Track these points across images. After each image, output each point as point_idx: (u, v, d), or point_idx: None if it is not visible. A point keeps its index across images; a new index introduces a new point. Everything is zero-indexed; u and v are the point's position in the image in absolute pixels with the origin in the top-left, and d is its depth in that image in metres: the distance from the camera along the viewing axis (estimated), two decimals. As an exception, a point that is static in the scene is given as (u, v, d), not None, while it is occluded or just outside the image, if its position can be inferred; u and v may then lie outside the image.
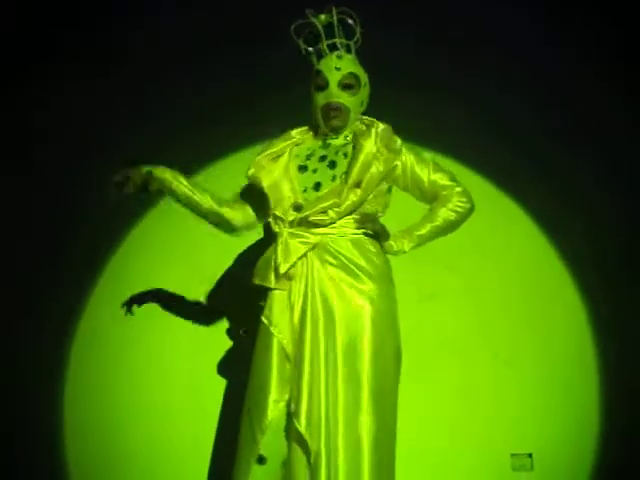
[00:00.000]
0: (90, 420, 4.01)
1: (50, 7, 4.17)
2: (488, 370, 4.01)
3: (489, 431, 3.96)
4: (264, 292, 3.07)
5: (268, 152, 3.17)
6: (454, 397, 3.97)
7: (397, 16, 4.04)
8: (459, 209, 3.16)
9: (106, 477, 3.99)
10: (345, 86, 3.13)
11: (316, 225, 3.02)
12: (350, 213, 3.04)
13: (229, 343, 3.97)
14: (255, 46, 4.06)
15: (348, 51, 3.17)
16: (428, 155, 3.21)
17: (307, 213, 3.02)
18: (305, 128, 3.24)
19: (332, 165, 3.09)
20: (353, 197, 3.01)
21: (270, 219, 3.10)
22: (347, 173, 3.03)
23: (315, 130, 3.21)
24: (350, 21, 3.14)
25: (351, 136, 3.16)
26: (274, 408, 2.94)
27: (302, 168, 3.12)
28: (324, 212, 3.01)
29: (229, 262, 4.02)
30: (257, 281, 3.08)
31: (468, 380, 3.98)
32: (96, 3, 4.20)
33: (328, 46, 3.15)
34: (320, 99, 3.14)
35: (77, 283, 4.10)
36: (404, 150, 3.14)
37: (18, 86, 4.13)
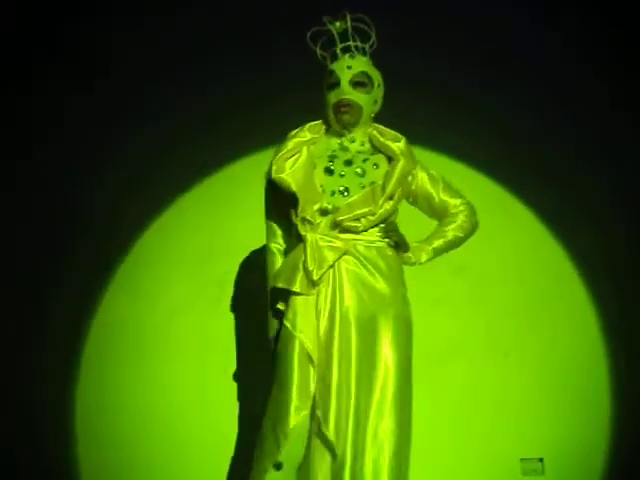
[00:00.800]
0: (101, 424, 3.99)
1: (50, 7, 4.13)
2: (497, 374, 3.99)
3: (498, 435, 3.94)
4: (284, 296, 3.03)
5: (285, 151, 3.13)
6: (462, 401, 3.95)
7: (397, 18, 3.99)
8: (466, 227, 3.26)
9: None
10: (356, 84, 3.15)
11: (347, 231, 3.03)
12: (380, 223, 3.08)
13: (239, 348, 3.94)
14: (256, 48, 4.05)
15: (363, 54, 3.20)
16: (436, 172, 3.25)
17: (342, 218, 3.01)
18: (318, 123, 3.21)
19: (362, 173, 3.10)
20: (387, 207, 3.06)
21: (297, 222, 3.06)
22: (384, 185, 3.07)
23: (328, 130, 3.21)
24: (364, 26, 3.17)
25: (368, 143, 3.19)
26: (297, 415, 2.91)
27: (329, 171, 3.10)
28: (357, 219, 3.03)
29: (238, 268, 4.00)
30: (281, 284, 3.04)
31: (477, 383, 3.97)
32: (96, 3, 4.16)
33: (342, 49, 3.19)
34: (332, 97, 3.16)
35: (87, 288, 4.08)
36: (419, 165, 3.22)
37: (17, 86, 4.09)
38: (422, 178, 3.21)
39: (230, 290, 4.03)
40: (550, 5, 4.13)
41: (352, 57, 3.17)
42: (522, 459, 3.94)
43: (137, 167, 4.12)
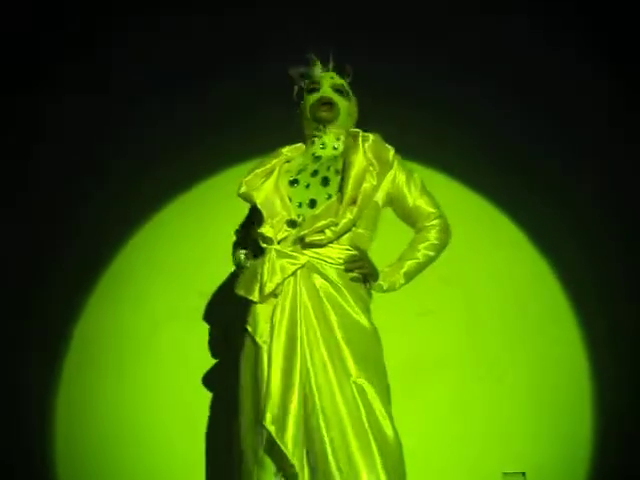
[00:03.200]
0: (83, 433, 3.97)
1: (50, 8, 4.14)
2: (481, 387, 3.98)
3: (481, 449, 3.92)
4: (247, 302, 3.05)
5: (259, 170, 3.15)
6: (447, 413, 3.95)
7: (395, 27, 4.02)
8: (438, 245, 3.17)
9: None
10: (337, 89, 3.20)
11: (311, 245, 3.00)
12: (347, 231, 3.02)
13: (221, 355, 3.94)
14: (254, 60, 4.05)
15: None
16: (418, 175, 3.19)
17: (303, 233, 2.99)
18: (297, 145, 3.24)
19: (325, 182, 3.07)
20: (349, 215, 3.00)
21: (258, 237, 3.06)
22: (341, 191, 3.00)
23: (305, 142, 3.22)
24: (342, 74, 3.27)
25: (341, 147, 3.16)
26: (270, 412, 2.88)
27: (294, 182, 3.10)
28: (321, 231, 2.99)
29: (223, 276, 3.96)
30: (241, 293, 3.06)
31: (461, 396, 3.97)
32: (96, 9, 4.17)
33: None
34: (311, 98, 3.19)
35: (72, 295, 4.07)
36: (396, 164, 3.14)
37: (16, 87, 4.10)
38: (400, 179, 3.13)
39: (212, 300, 4.02)
40: (550, 13, 4.15)
41: (334, 72, 3.26)
42: (504, 473, 3.92)
43: (120, 179, 4.14)
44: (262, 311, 3.00)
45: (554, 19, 4.15)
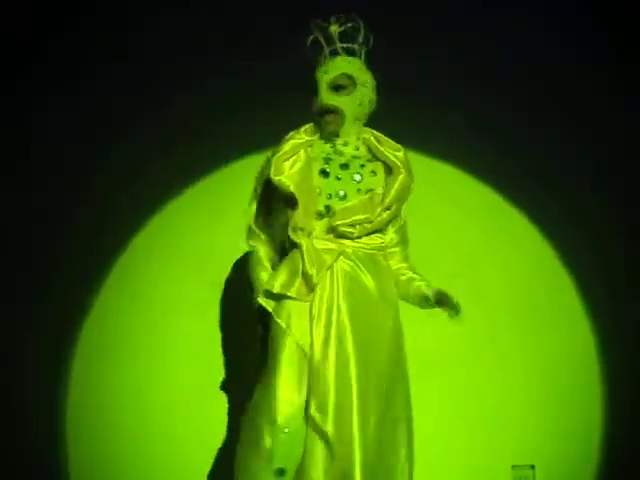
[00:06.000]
0: (93, 424, 3.96)
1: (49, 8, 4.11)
2: (492, 380, 3.98)
3: (490, 442, 3.92)
4: (275, 298, 3.03)
5: (282, 152, 3.10)
6: (458, 406, 3.95)
7: (395, 22, 3.99)
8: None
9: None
10: (335, 87, 3.10)
11: (342, 236, 3.02)
12: (374, 232, 3.07)
13: (231, 349, 3.94)
14: (255, 56, 4.02)
15: (351, 54, 3.14)
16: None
17: (338, 223, 3.00)
18: (312, 125, 3.17)
19: (360, 179, 3.07)
20: (384, 216, 3.06)
21: (290, 230, 3.05)
22: (383, 195, 3.05)
23: (321, 133, 3.17)
24: (354, 24, 3.13)
25: (363, 147, 3.14)
26: (284, 410, 2.90)
27: (324, 173, 3.08)
28: (353, 225, 3.01)
29: (231, 269, 3.97)
30: (278, 290, 3.02)
31: (472, 390, 3.96)
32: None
33: (330, 52, 3.15)
34: (315, 104, 3.14)
35: (78, 290, 4.04)
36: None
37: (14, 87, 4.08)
38: None
39: (223, 291, 4.01)
40: (549, 10, 4.12)
41: (332, 60, 3.13)
42: (513, 466, 3.92)
43: (129, 169, 4.09)
44: (297, 308, 2.99)
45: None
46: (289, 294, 2.99)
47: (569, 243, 4.10)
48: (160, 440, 3.93)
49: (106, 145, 4.09)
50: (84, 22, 4.12)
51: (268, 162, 3.13)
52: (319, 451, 2.89)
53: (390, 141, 3.15)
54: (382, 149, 3.12)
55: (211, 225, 4.04)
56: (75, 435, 3.97)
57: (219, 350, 3.96)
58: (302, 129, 3.16)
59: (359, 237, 3.03)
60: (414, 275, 3.19)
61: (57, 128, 4.08)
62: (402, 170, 3.08)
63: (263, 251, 3.17)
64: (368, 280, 3.03)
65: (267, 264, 3.15)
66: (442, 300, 3.12)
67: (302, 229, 3.02)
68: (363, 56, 3.16)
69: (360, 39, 3.14)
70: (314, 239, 3.01)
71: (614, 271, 4.05)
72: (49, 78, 4.11)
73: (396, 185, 3.07)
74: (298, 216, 3.03)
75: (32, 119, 4.10)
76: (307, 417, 2.91)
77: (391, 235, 3.16)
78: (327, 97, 3.09)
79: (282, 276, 3.04)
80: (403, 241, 3.21)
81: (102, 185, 4.07)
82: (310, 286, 2.98)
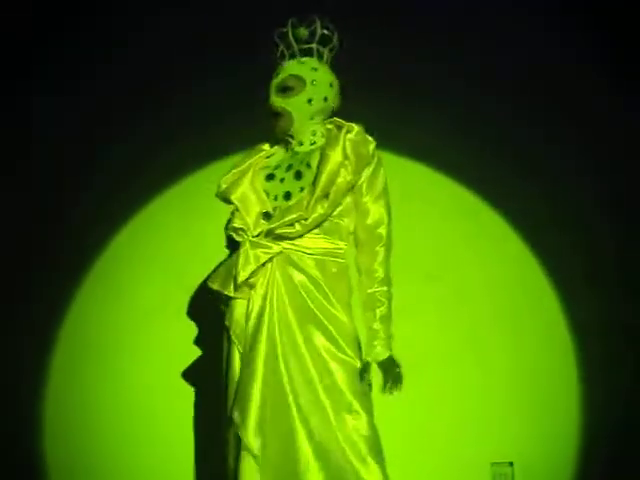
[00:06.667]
0: (72, 425, 4.00)
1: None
2: (470, 379, 3.99)
3: (468, 439, 3.94)
4: (225, 298, 3.06)
5: (235, 170, 3.16)
6: (436, 405, 3.97)
7: (388, 23, 4.03)
8: (385, 301, 3.07)
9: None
10: (282, 89, 3.11)
11: (282, 238, 3.00)
12: (318, 226, 3.00)
13: (214, 349, 3.85)
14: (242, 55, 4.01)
15: (308, 55, 3.15)
16: (384, 186, 3.08)
17: (273, 225, 3.00)
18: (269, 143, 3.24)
19: (298, 175, 3.05)
20: (320, 210, 2.96)
21: (230, 231, 3.08)
22: (314, 184, 2.98)
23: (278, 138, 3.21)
24: (325, 31, 3.14)
25: (320, 141, 3.11)
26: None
27: (270, 177, 3.11)
28: (291, 225, 2.98)
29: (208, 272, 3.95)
30: (216, 287, 3.07)
31: (450, 388, 3.98)
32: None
33: (290, 56, 3.16)
34: (265, 108, 3.17)
35: (60, 289, 4.08)
36: (376, 159, 3.07)
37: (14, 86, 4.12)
38: (366, 174, 3.04)
39: (199, 294, 4.00)
40: (549, 9, 4.12)
41: (283, 63, 3.15)
42: (493, 463, 3.95)
43: (111, 173, 4.14)
44: (238, 307, 3.02)
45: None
46: (226, 293, 3.03)
47: (548, 243, 4.10)
48: (142, 440, 3.96)
49: (106, 145, 4.12)
50: (84, 22, 4.16)
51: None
52: (246, 457, 2.89)
53: (348, 123, 3.06)
54: (337, 133, 3.05)
55: (187, 228, 4.08)
56: (55, 435, 3.99)
57: (202, 350, 3.97)
58: (266, 145, 3.22)
59: (300, 236, 2.99)
60: (375, 325, 3.05)
61: (57, 128, 4.13)
62: (330, 156, 2.97)
63: None
64: (313, 286, 2.98)
65: None
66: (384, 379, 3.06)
67: (243, 230, 3.04)
68: (327, 55, 3.15)
69: (317, 38, 3.13)
70: (251, 240, 3.01)
71: (593, 271, 4.06)
72: (49, 78, 4.15)
73: (325, 169, 2.96)
74: (238, 218, 3.06)
75: (32, 119, 4.14)
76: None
77: (368, 206, 3.05)
78: (273, 100, 3.12)
79: (220, 275, 3.08)
80: (387, 244, 3.08)
81: (102, 185, 4.11)
82: (245, 284, 2.98)
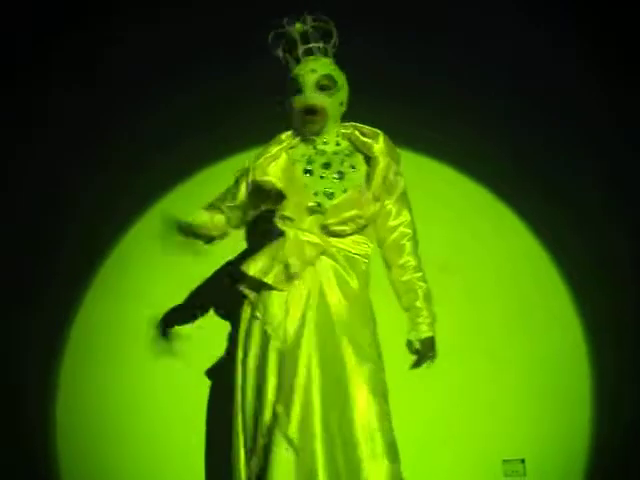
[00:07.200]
0: (82, 425, 4.00)
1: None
2: (482, 375, 3.99)
3: (480, 436, 3.94)
4: (255, 288, 3.05)
5: (267, 155, 3.14)
6: (448, 401, 3.96)
7: (391, 22, 4.03)
8: (424, 283, 3.18)
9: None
10: (321, 87, 3.12)
11: (334, 234, 3.04)
12: (366, 226, 3.08)
13: (216, 350, 3.93)
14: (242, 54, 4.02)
15: (326, 55, 3.19)
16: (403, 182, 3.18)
17: (330, 222, 3.02)
18: (290, 133, 3.21)
19: (340, 176, 3.09)
20: (373, 209, 3.06)
21: (277, 219, 3.07)
22: (368, 188, 3.04)
23: (300, 134, 3.19)
24: (324, 26, 3.17)
25: (344, 143, 3.17)
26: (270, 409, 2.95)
27: (308, 172, 3.11)
28: (344, 223, 3.02)
29: (214, 272, 3.97)
30: (252, 272, 3.04)
31: (461, 384, 3.98)
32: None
33: (305, 52, 3.17)
34: (298, 103, 3.14)
35: (68, 292, 4.07)
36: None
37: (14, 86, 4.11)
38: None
39: (207, 295, 3.99)
40: (549, 10, 4.12)
41: (315, 60, 3.15)
42: (504, 460, 3.95)
43: (120, 169, 4.13)
44: (275, 298, 3.02)
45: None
46: (265, 280, 3.01)
47: (559, 239, 4.10)
48: (150, 442, 3.96)
49: (106, 144, 4.11)
50: (83, 21, 4.15)
51: (249, 167, 3.17)
52: (282, 449, 2.89)
53: (370, 129, 3.16)
54: (363, 139, 3.13)
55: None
56: (65, 437, 4.00)
57: (210, 351, 3.94)
58: (282, 135, 3.20)
59: (351, 234, 3.05)
60: (417, 304, 3.15)
61: (57, 128, 4.12)
62: (379, 158, 3.07)
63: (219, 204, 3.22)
64: (352, 280, 3.04)
65: (218, 208, 3.20)
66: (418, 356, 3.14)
67: (291, 220, 3.05)
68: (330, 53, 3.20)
69: (332, 41, 3.17)
70: (300, 231, 3.03)
71: (605, 267, 4.05)
72: (49, 77, 4.14)
73: (377, 175, 3.06)
74: (287, 207, 3.05)
75: (32, 119, 4.13)
76: (273, 412, 2.94)
77: (389, 208, 3.14)
78: (313, 96, 3.12)
79: (260, 262, 3.06)
80: (413, 237, 3.19)
81: (102, 184, 4.11)
82: (289, 276, 2.99)
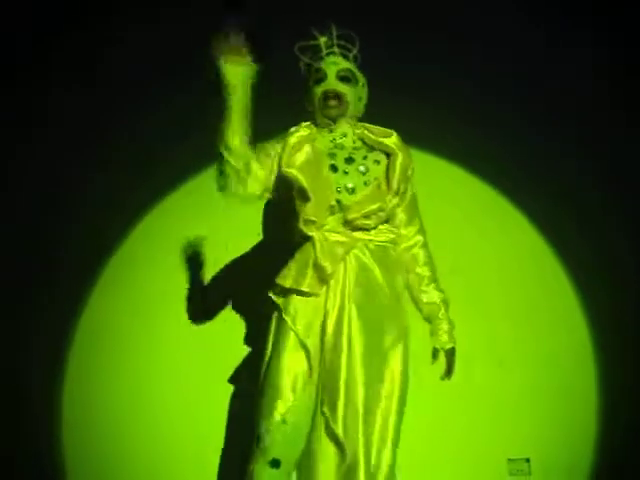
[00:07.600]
0: (88, 422, 3.98)
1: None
2: (487, 373, 3.97)
3: (485, 435, 3.92)
4: (283, 294, 3.05)
5: (291, 145, 3.14)
6: (453, 400, 3.91)
7: (396, 21, 4.04)
8: (441, 292, 3.28)
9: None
10: (342, 78, 3.19)
11: (359, 229, 3.06)
12: (386, 221, 3.12)
13: (229, 344, 3.90)
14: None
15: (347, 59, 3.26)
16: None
17: (353, 216, 3.04)
18: (309, 123, 3.22)
19: (365, 170, 3.12)
20: (395, 202, 3.11)
21: (301, 224, 3.07)
22: (389, 181, 3.09)
23: (318, 123, 3.22)
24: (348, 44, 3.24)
25: (359, 141, 3.20)
26: (284, 404, 2.94)
27: (333, 167, 3.12)
28: (367, 217, 3.05)
29: (226, 264, 3.96)
30: (289, 284, 3.03)
31: (467, 384, 3.89)
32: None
33: (327, 54, 3.24)
34: (319, 90, 3.18)
35: (75, 285, 4.07)
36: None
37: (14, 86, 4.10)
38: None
39: (215, 290, 3.98)
40: (550, 9, 4.13)
41: (337, 56, 3.21)
42: (509, 459, 3.94)
43: (120, 168, 4.12)
44: (308, 303, 3.02)
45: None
46: (302, 289, 3.01)
47: (565, 239, 4.10)
48: (158, 438, 3.94)
49: (106, 144, 4.10)
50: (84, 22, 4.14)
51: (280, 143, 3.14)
52: (330, 449, 2.93)
53: (380, 129, 3.22)
54: (375, 138, 3.18)
55: (203, 221, 4.03)
56: (71, 434, 3.98)
57: (217, 346, 3.93)
58: (303, 125, 3.21)
59: (374, 227, 3.09)
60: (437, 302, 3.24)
61: (57, 128, 4.11)
62: (398, 152, 3.14)
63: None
64: (378, 273, 3.05)
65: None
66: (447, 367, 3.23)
67: (314, 222, 3.05)
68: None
69: (354, 52, 3.23)
70: (326, 232, 3.03)
71: (611, 266, 4.04)
72: (49, 78, 4.14)
73: (397, 167, 3.12)
74: (310, 209, 3.05)
75: (32, 119, 4.13)
76: (319, 414, 2.96)
77: (400, 216, 3.20)
78: (335, 83, 3.17)
79: (293, 271, 3.05)
80: (425, 244, 3.26)
81: (102, 184, 4.10)
82: (323, 279, 3.00)
